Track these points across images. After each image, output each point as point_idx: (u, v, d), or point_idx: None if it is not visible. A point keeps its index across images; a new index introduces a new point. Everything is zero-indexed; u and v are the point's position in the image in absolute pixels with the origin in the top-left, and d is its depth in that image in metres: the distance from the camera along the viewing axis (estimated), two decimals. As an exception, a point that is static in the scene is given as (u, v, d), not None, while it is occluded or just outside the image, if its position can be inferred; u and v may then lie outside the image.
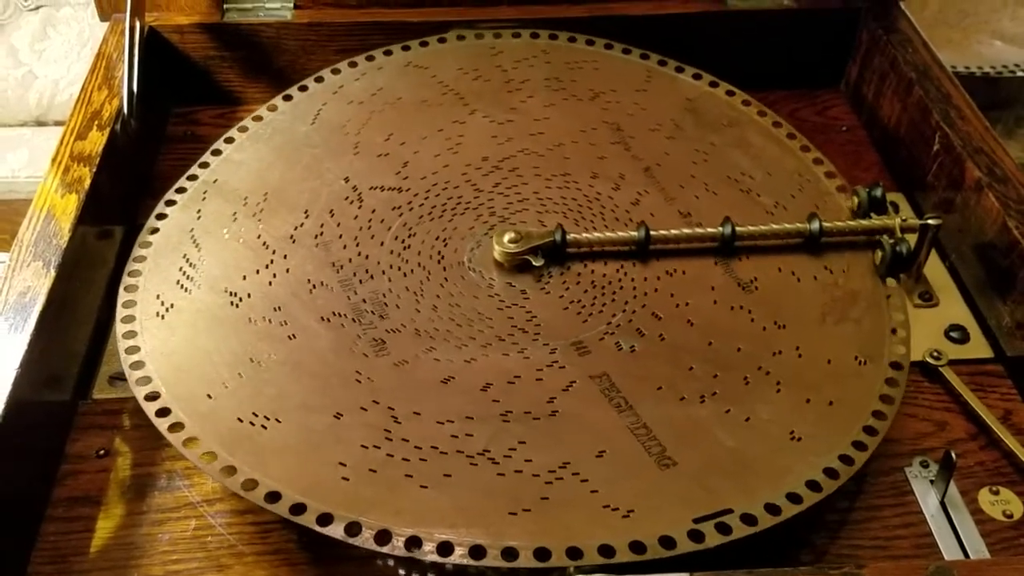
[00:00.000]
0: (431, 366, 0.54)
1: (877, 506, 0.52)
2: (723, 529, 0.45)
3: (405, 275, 0.59)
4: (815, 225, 0.60)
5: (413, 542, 0.45)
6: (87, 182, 0.61)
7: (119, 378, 0.57)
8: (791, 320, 0.56)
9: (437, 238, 0.61)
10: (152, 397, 0.51)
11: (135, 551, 0.50)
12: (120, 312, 0.55)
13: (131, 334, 0.54)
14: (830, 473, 0.48)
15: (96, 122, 0.66)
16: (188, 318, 0.56)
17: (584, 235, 0.60)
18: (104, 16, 0.77)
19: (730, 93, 0.71)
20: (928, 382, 0.59)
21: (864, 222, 0.61)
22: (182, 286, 0.57)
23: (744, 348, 0.55)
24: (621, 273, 0.59)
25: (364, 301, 0.57)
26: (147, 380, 0.52)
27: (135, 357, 0.53)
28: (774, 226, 0.61)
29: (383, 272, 0.59)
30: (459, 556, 0.44)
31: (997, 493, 0.53)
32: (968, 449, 0.55)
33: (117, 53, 0.73)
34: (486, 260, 0.60)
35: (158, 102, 0.76)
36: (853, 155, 0.76)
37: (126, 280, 0.57)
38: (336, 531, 0.45)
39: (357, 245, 0.61)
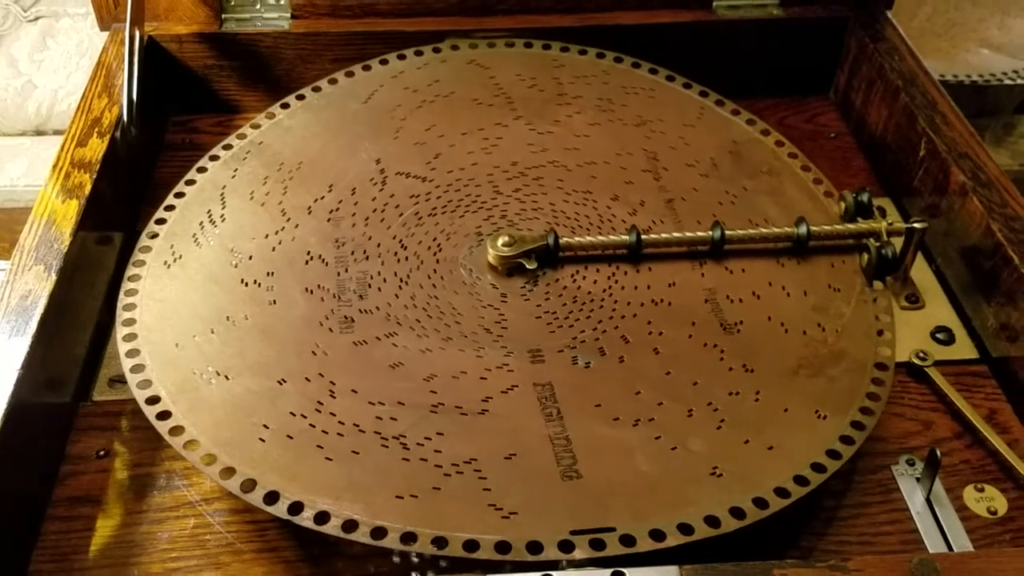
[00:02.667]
0: (387, 350, 0.55)
1: (864, 503, 0.53)
2: (596, 545, 0.45)
3: (398, 261, 0.61)
4: (803, 229, 0.61)
5: (296, 507, 0.47)
6: (87, 188, 0.62)
7: (119, 381, 0.58)
8: (762, 366, 0.55)
9: (443, 231, 0.63)
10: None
11: (135, 549, 0.51)
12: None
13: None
14: (735, 512, 0.47)
15: (96, 129, 0.67)
16: (190, 270, 0.59)
17: (576, 239, 0.61)
18: (104, 26, 0.78)
19: (779, 143, 0.69)
20: (914, 382, 0.60)
21: (851, 226, 0.62)
22: (196, 239, 0.61)
23: (701, 383, 0.54)
24: (607, 292, 0.59)
25: (351, 280, 0.59)
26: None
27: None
28: (763, 230, 0.62)
29: (379, 255, 0.61)
30: (332, 527, 0.46)
31: (982, 490, 0.54)
32: (954, 448, 0.56)
33: (117, 62, 0.74)
34: (481, 260, 0.61)
35: (157, 110, 0.77)
36: (841, 161, 0.77)
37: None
38: (233, 485, 0.48)
39: (366, 225, 0.63)
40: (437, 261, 0.61)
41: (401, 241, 0.62)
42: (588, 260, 0.61)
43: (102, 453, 0.55)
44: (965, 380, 0.60)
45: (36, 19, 1.27)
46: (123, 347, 0.54)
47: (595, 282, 0.60)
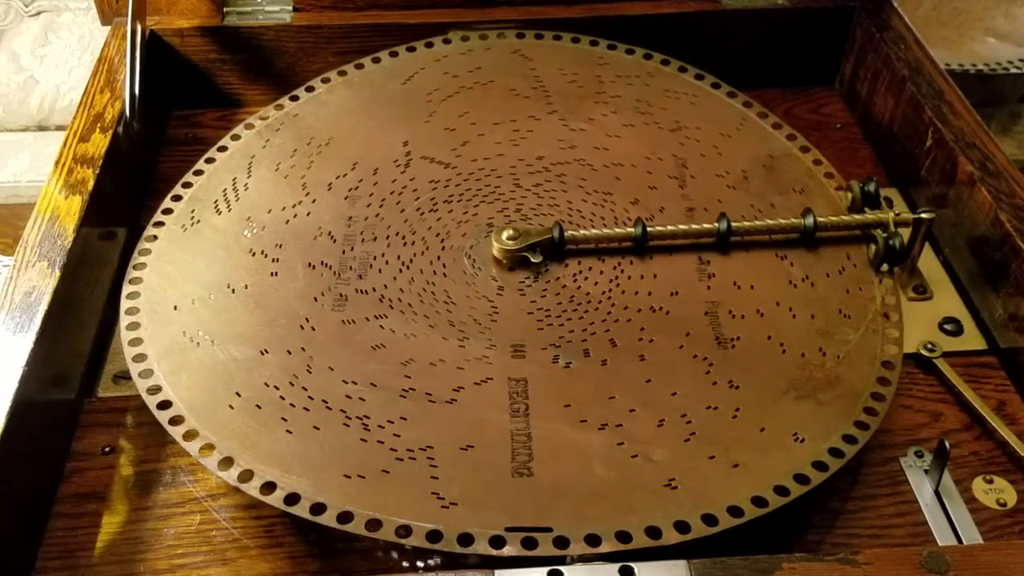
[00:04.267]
0: (373, 331, 0.56)
1: (872, 495, 0.53)
2: (528, 543, 0.45)
3: (404, 245, 0.61)
4: (809, 220, 0.61)
5: (246, 475, 0.48)
6: (90, 184, 0.62)
7: (123, 376, 0.58)
8: (749, 384, 0.53)
9: (454, 219, 0.63)
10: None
11: (141, 546, 0.51)
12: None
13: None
14: (679, 526, 0.46)
15: (99, 125, 0.67)
16: (205, 236, 0.60)
17: (582, 232, 0.61)
18: (105, 20, 0.78)
19: (817, 162, 0.66)
20: (923, 374, 0.59)
21: (858, 216, 0.62)
22: (216, 207, 0.62)
23: (680, 394, 0.53)
24: (606, 295, 0.58)
25: (354, 259, 0.60)
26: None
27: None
28: (769, 221, 0.61)
29: (387, 237, 0.61)
30: (275, 498, 0.47)
31: (991, 482, 0.54)
32: (962, 439, 0.56)
33: (119, 57, 0.73)
34: (486, 252, 0.61)
35: (160, 105, 0.77)
36: (848, 151, 0.76)
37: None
38: (193, 448, 0.49)
39: (380, 206, 0.63)
40: (442, 248, 0.61)
41: (411, 225, 0.62)
42: (595, 253, 0.61)
43: (107, 449, 0.55)
44: (973, 371, 0.60)
45: (38, 14, 1.27)
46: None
47: (596, 284, 0.59)
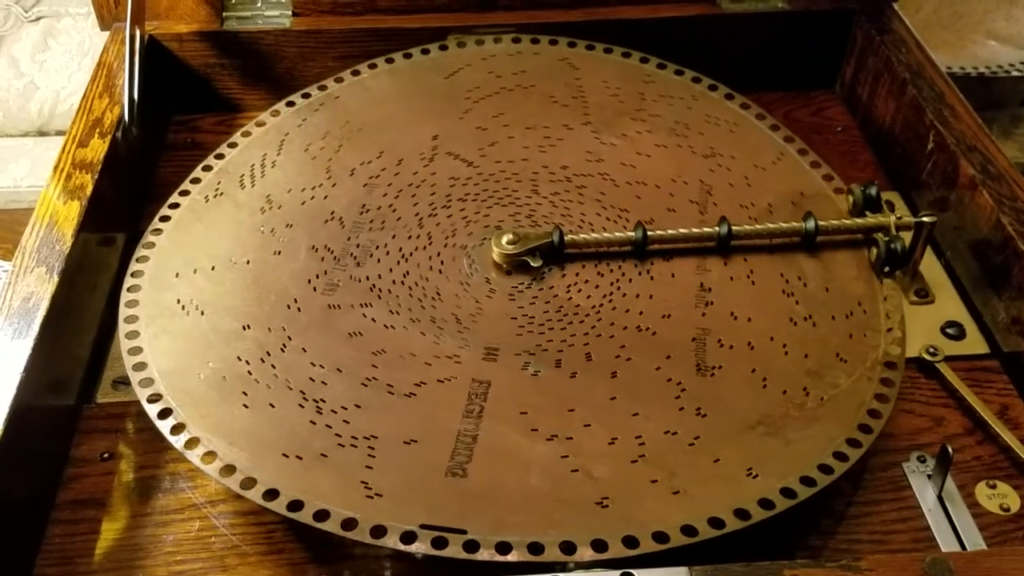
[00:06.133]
0: (354, 319, 0.56)
1: (875, 501, 0.53)
2: (438, 543, 0.45)
3: (408, 238, 0.61)
4: (811, 224, 0.60)
5: (192, 442, 0.49)
6: (89, 189, 0.62)
7: (122, 382, 0.58)
8: (718, 414, 0.52)
9: (464, 218, 0.63)
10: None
11: (140, 552, 0.50)
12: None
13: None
14: (597, 545, 0.45)
15: (98, 130, 0.67)
16: (224, 209, 0.62)
17: (582, 236, 0.61)
18: (104, 25, 0.78)
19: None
20: (925, 378, 0.59)
21: (859, 220, 0.61)
22: (241, 182, 0.63)
23: (642, 415, 0.51)
24: (596, 309, 0.57)
25: (357, 246, 0.61)
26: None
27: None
28: (770, 225, 0.61)
29: (393, 228, 0.62)
30: (212, 468, 0.48)
31: (994, 487, 0.53)
32: (965, 444, 0.56)
33: (118, 62, 0.73)
34: (486, 254, 0.61)
35: (159, 110, 0.76)
36: (848, 155, 0.76)
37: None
38: (153, 410, 0.51)
39: (396, 197, 0.63)
40: (445, 246, 0.61)
41: (421, 219, 0.62)
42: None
43: (106, 455, 0.55)
44: (976, 375, 0.59)
45: (37, 19, 1.27)
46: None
47: (588, 297, 0.58)
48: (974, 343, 0.61)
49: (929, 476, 0.54)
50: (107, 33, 0.77)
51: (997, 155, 0.65)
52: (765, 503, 0.47)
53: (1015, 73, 1.07)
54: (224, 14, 0.78)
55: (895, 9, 0.80)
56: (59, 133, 1.20)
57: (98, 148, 0.65)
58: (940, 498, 0.53)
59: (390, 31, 0.77)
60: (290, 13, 0.78)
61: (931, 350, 0.60)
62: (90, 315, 0.60)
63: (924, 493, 0.53)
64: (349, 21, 0.78)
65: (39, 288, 0.55)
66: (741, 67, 0.77)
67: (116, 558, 0.50)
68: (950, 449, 0.51)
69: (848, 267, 0.60)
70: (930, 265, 0.66)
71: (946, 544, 0.50)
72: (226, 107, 0.80)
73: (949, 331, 0.62)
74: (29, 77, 1.21)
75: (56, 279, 0.56)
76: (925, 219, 0.61)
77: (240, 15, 0.78)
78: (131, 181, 0.70)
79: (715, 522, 0.46)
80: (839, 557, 0.44)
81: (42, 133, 1.21)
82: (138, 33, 0.71)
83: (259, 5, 0.78)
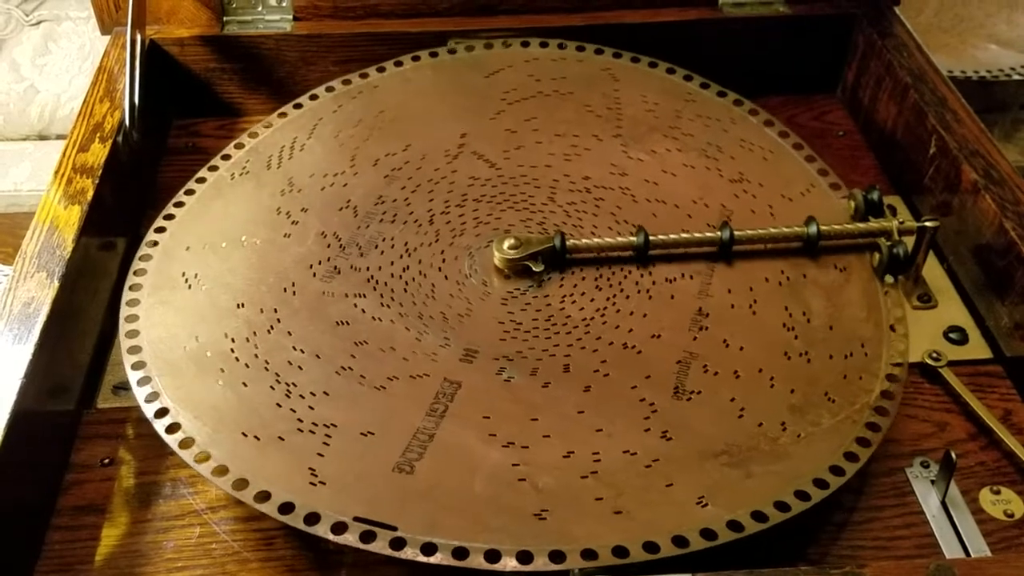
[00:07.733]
0: (345, 308, 0.57)
1: (878, 507, 0.53)
2: (366, 536, 0.45)
3: (416, 233, 0.62)
4: (812, 229, 0.60)
5: (161, 412, 0.50)
6: (90, 194, 0.62)
7: (123, 387, 0.57)
8: (683, 439, 0.50)
9: (476, 218, 0.63)
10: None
11: (140, 559, 0.50)
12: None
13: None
14: (522, 556, 0.44)
15: (98, 134, 0.67)
16: (247, 188, 0.63)
17: (584, 240, 0.61)
18: (105, 30, 0.78)
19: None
20: (928, 383, 0.59)
21: (861, 225, 0.61)
22: (268, 162, 0.64)
23: (605, 432, 0.51)
24: (586, 323, 0.57)
25: (365, 236, 0.61)
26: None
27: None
28: (772, 230, 0.61)
29: (404, 222, 0.62)
30: (173, 439, 0.49)
31: (998, 493, 0.53)
32: (969, 449, 0.55)
33: (118, 66, 0.73)
34: (488, 256, 0.61)
35: (159, 114, 0.76)
36: (850, 159, 0.76)
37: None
38: (133, 377, 0.52)
39: (413, 192, 0.64)
40: (450, 244, 0.61)
41: (432, 216, 0.63)
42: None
43: (107, 461, 0.55)
44: (979, 380, 0.59)
45: (38, 23, 1.26)
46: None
47: (581, 309, 0.58)
48: (977, 348, 0.61)
49: (933, 482, 0.53)
50: (108, 37, 0.77)
51: (999, 159, 0.65)
52: (707, 533, 0.45)
53: (1016, 77, 1.06)
54: (225, 18, 0.78)
55: (896, 13, 0.80)
56: (60, 137, 1.20)
57: (99, 152, 0.65)
58: (944, 504, 0.52)
59: (391, 35, 0.77)
60: (291, 17, 0.78)
61: (934, 355, 0.60)
62: (90, 320, 0.60)
63: (928, 499, 0.53)
64: (350, 25, 0.78)
65: (40, 293, 0.55)
66: (743, 71, 0.77)
67: (116, 564, 0.50)
68: (954, 455, 0.51)
69: (859, 308, 0.58)
70: (932, 270, 0.66)
71: (950, 551, 0.50)
72: (227, 111, 0.80)
73: (952, 336, 0.62)
74: (30, 81, 1.21)
75: (57, 284, 0.55)
76: (928, 224, 0.60)
77: (241, 19, 0.78)
78: (132, 186, 0.69)
79: (649, 546, 0.45)
80: (843, 564, 0.44)
81: (43, 137, 1.21)
82: (139, 37, 0.71)
83: (260, 9, 0.78)
